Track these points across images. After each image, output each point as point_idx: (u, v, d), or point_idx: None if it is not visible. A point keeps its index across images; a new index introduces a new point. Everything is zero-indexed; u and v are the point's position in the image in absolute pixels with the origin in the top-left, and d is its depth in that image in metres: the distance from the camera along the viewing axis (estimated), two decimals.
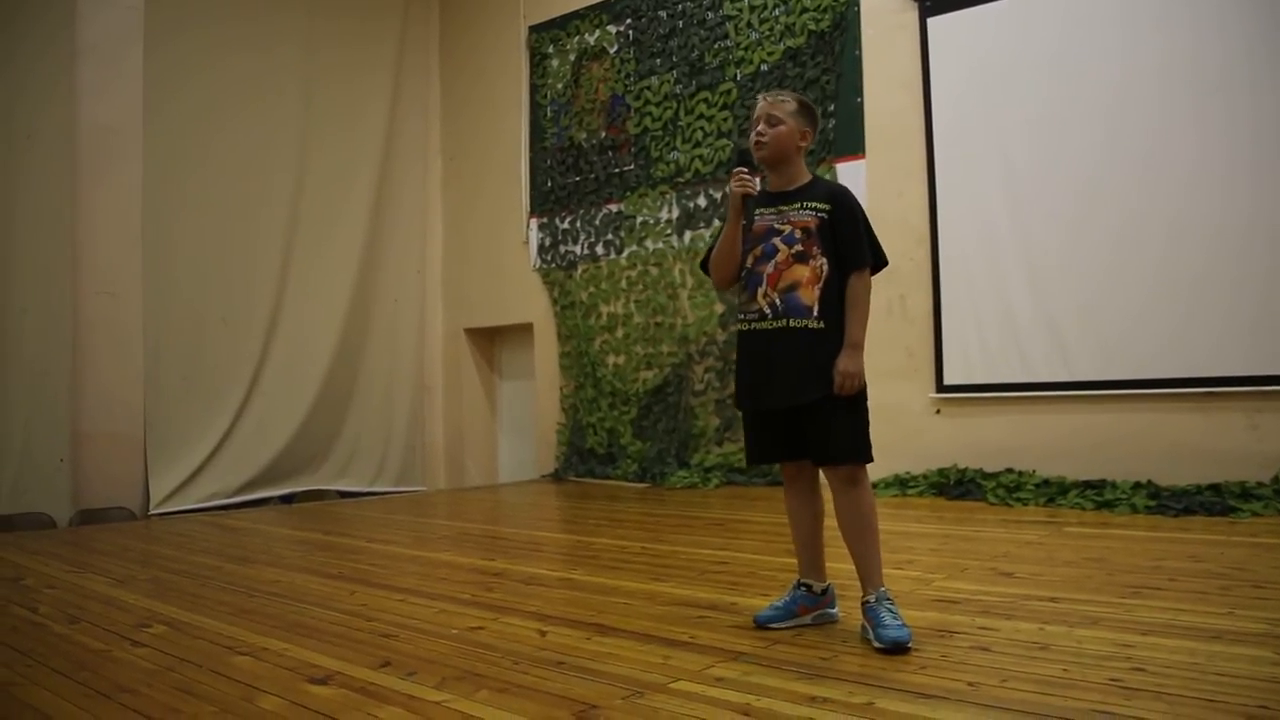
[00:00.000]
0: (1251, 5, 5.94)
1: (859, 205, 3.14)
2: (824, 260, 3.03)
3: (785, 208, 3.11)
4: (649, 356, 8.73)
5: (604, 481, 8.72)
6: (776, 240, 3.08)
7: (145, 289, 8.11)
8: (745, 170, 3.11)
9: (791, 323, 3.02)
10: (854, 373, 2.97)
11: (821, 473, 3.12)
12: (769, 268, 3.08)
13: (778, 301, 3.05)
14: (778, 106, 3.15)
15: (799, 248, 3.04)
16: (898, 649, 2.78)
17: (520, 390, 10.37)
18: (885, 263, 3.17)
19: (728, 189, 3.22)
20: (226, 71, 8.82)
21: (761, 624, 3.10)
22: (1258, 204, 5.89)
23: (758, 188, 3.15)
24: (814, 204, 3.08)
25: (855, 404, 3.02)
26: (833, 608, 3.18)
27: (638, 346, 8.82)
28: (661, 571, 4.22)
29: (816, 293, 3.02)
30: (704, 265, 3.34)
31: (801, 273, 3.04)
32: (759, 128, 3.15)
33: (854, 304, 3.04)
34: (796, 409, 3.04)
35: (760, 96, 3.23)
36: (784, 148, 3.14)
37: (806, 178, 3.19)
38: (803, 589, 3.14)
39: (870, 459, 3.06)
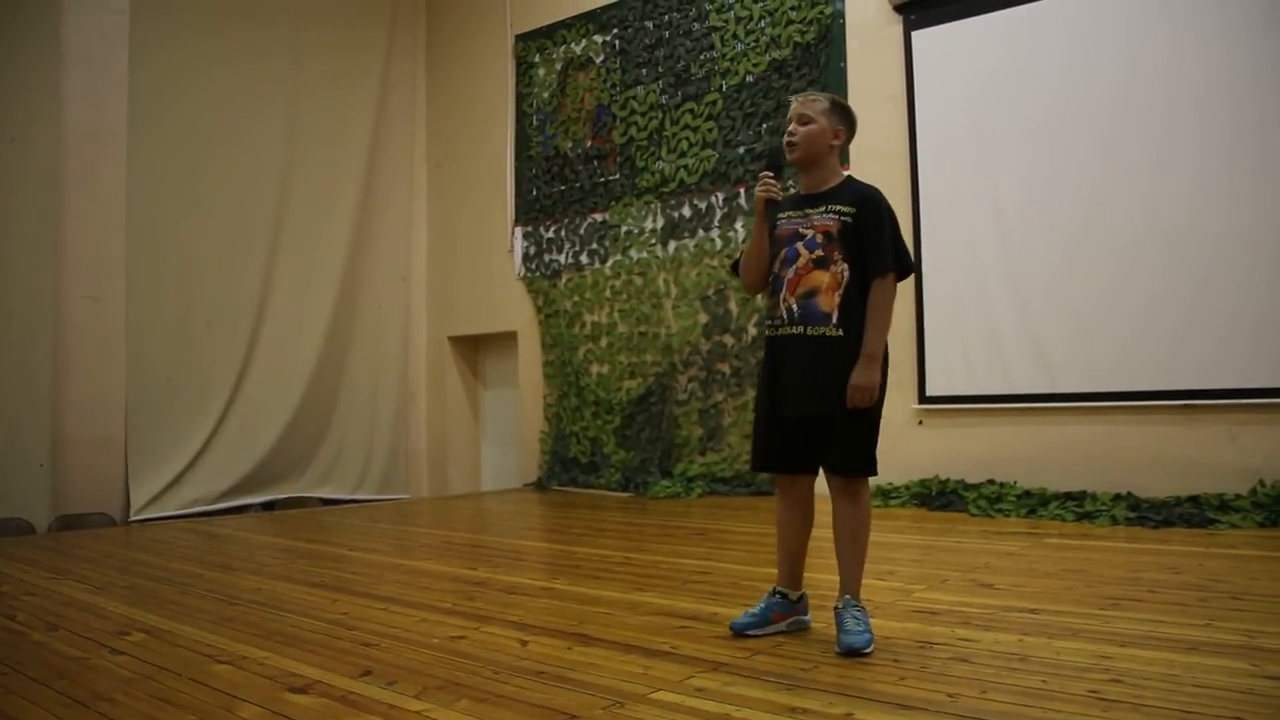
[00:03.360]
0: (1250, 16, 5.98)
1: (888, 208, 3.07)
2: (845, 266, 2.98)
3: (810, 211, 3.07)
4: (633, 366, 8.73)
5: (587, 491, 8.71)
6: (799, 245, 3.04)
7: (129, 294, 8.07)
8: (770, 174, 3.09)
9: (809, 330, 2.98)
10: (867, 386, 2.93)
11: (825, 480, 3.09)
12: (790, 273, 3.04)
13: (795, 308, 3.01)
14: (809, 105, 3.11)
15: (819, 253, 3.00)
16: (853, 654, 2.84)
17: (504, 398, 10.36)
18: (912, 269, 3.11)
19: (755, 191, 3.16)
20: (213, 76, 8.79)
21: (738, 631, 3.11)
22: (1223, 219, 5.97)
23: (781, 192, 3.11)
24: (838, 207, 3.03)
25: (866, 416, 2.99)
26: (806, 615, 3.20)
27: (621, 356, 8.82)
28: (643, 581, 4.22)
29: (836, 299, 2.97)
30: (735, 269, 3.30)
31: (821, 278, 2.99)
32: (790, 127, 3.10)
33: (874, 312, 2.98)
34: (809, 418, 3.01)
35: (793, 98, 3.18)
36: (815, 147, 3.10)
37: (838, 179, 3.13)
38: (778, 596, 3.15)
39: (874, 472, 3.04)
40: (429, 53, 10.81)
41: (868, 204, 3.04)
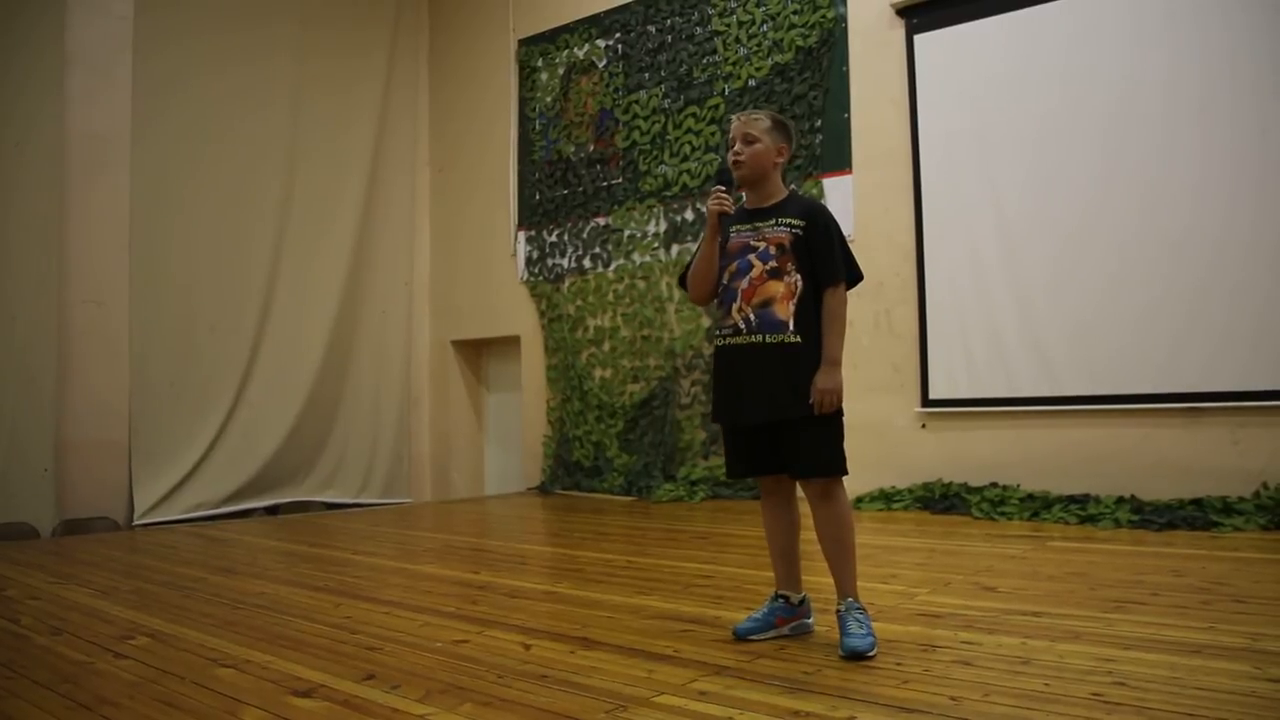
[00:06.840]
0: (1253, 20, 5.98)
1: (834, 221, 3.16)
2: (798, 276, 3.06)
3: (761, 224, 3.14)
4: (636, 370, 8.74)
5: (590, 494, 8.72)
6: (751, 257, 3.11)
7: (132, 298, 8.06)
8: (723, 188, 3.17)
9: (767, 338, 3.05)
10: (832, 390, 3.00)
11: (799, 486, 3.15)
12: (744, 284, 3.10)
13: (752, 317, 3.07)
14: (753, 125, 3.17)
15: (773, 264, 3.07)
16: (856, 657, 2.85)
17: (507, 402, 10.36)
18: (860, 278, 3.20)
19: (706, 205, 3.23)
20: (216, 80, 8.80)
21: (740, 635, 3.13)
22: (1223, 221, 5.99)
23: (733, 206, 3.19)
24: (789, 220, 3.10)
25: (830, 418, 3.05)
26: (809, 618, 3.21)
27: (624, 360, 8.83)
28: (646, 585, 4.22)
29: (791, 308, 3.04)
30: (682, 281, 3.37)
31: (776, 289, 3.06)
32: (735, 147, 3.18)
33: (830, 320, 3.07)
34: (773, 424, 3.06)
35: (734, 116, 3.25)
36: (761, 166, 3.16)
37: (783, 194, 3.21)
38: (780, 601, 3.17)
39: (845, 471, 3.08)
40: (432, 56, 10.82)
41: (816, 218, 3.13)
